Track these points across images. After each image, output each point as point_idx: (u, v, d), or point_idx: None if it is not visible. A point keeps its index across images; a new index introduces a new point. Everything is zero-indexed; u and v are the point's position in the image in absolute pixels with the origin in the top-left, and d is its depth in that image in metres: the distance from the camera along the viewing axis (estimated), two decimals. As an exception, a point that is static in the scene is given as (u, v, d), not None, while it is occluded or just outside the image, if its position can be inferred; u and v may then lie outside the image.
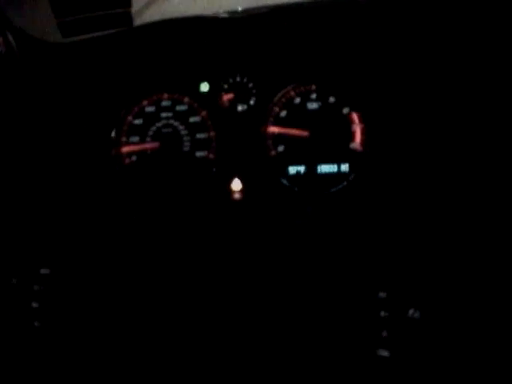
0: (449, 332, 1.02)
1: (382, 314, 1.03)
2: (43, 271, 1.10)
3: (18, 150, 1.20)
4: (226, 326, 1.08)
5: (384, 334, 1.02)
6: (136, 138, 1.20)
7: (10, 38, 1.22)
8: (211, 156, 1.19)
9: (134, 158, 1.20)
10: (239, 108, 1.18)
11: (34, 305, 1.09)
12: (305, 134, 1.18)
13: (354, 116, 1.18)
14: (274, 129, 1.18)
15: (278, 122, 1.19)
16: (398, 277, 1.05)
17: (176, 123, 1.19)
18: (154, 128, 1.20)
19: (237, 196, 1.18)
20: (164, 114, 1.19)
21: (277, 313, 1.07)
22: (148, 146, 1.19)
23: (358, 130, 1.18)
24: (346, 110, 1.18)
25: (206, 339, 1.08)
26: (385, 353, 1.02)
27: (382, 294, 1.04)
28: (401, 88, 1.16)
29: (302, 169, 1.19)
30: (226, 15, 1.20)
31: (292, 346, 1.05)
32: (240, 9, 1.20)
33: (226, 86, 1.19)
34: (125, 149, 1.20)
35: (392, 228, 1.11)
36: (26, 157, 1.20)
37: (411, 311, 1.03)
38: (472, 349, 1.00)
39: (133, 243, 1.12)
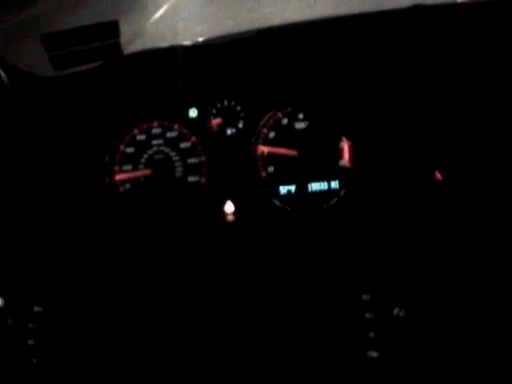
0: (435, 328, 1.03)
1: (368, 315, 1.05)
2: (37, 309, 1.12)
3: (10, 184, 1.23)
4: (219, 341, 1.09)
5: (371, 335, 1.04)
6: (129, 166, 1.23)
7: (2, 73, 1.25)
8: (203, 180, 1.21)
9: (127, 185, 1.23)
10: (228, 132, 1.21)
11: (30, 342, 1.11)
12: (294, 153, 1.20)
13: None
14: (263, 148, 1.20)
15: (267, 143, 1.21)
16: (381, 279, 1.07)
17: (167, 150, 1.22)
18: (146, 155, 1.22)
19: (230, 218, 1.20)
20: (155, 142, 1.22)
21: (266, 323, 1.09)
22: (141, 173, 1.22)
23: (345, 146, 1.20)
24: (333, 128, 1.20)
25: (197, 359, 1.10)
26: (374, 354, 1.03)
27: (366, 297, 1.06)
28: (387, 103, 1.18)
29: (292, 188, 1.21)
30: (211, 41, 1.23)
31: (282, 352, 1.06)
32: (225, 33, 1.23)
33: (214, 111, 1.21)
34: (118, 177, 1.22)
35: (379, 236, 1.13)
36: (19, 190, 1.22)
37: (396, 310, 1.04)
38: (460, 344, 1.02)
39: (128, 271, 1.14)
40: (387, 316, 1.04)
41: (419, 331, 1.03)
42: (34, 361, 1.10)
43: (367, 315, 1.04)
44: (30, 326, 1.11)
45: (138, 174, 1.22)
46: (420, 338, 1.03)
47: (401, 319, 1.03)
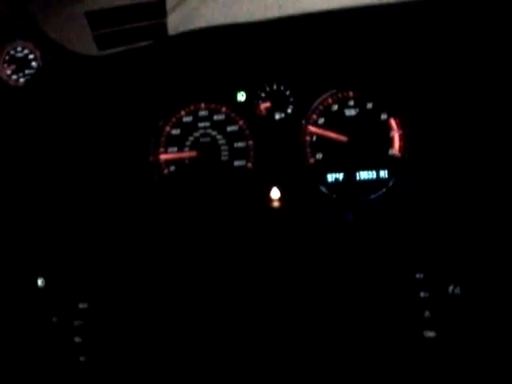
0: (491, 305, 1.02)
1: (422, 294, 1.03)
2: (81, 306, 1.11)
3: (57, 166, 1.21)
4: (269, 330, 1.08)
5: (427, 314, 1.03)
6: (174, 149, 1.21)
7: (47, 52, 1.23)
8: (249, 165, 1.19)
9: (172, 168, 1.20)
10: (277, 116, 1.18)
11: (77, 340, 1.10)
12: (343, 138, 1.17)
13: (392, 122, 1.17)
14: (313, 129, 1.17)
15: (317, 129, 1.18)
16: (433, 256, 1.05)
17: (214, 133, 1.20)
18: (191, 138, 1.20)
19: (276, 204, 1.18)
20: (202, 124, 1.20)
21: (321, 312, 1.07)
22: (186, 154, 1.20)
23: (396, 135, 1.17)
24: (384, 116, 1.18)
25: (246, 349, 1.08)
26: (431, 333, 1.02)
27: (419, 275, 1.04)
28: (439, 93, 1.15)
29: (340, 176, 1.18)
30: (261, 22, 1.20)
31: (341, 336, 1.05)
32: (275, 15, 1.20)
33: (263, 95, 1.19)
34: (163, 157, 1.20)
35: (430, 230, 1.10)
36: (65, 172, 1.20)
37: (451, 287, 1.03)
38: None
39: (173, 258, 1.12)
40: (442, 294, 1.02)
41: (476, 308, 1.01)
42: (82, 358, 1.08)
43: (422, 294, 1.03)
44: (76, 323, 1.10)
45: (183, 155, 1.20)
46: (477, 316, 1.01)
47: (456, 297, 1.02)
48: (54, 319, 1.11)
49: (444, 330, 1.02)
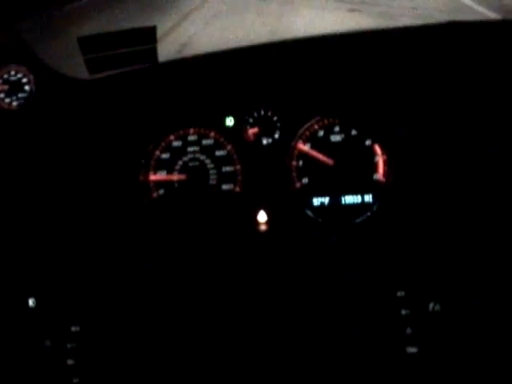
0: (472, 321, 1.05)
1: (404, 312, 1.07)
2: (74, 329, 1.12)
3: (47, 188, 1.23)
4: (254, 351, 1.10)
5: (408, 331, 1.06)
6: (163, 172, 1.23)
7: (40, 76, 1.26)
8: (237, 189, 1.21)
9: (161, 191, 1.23)
10: (264, 141, 1.21)
11: (70, 362, 1.11)
12: (329, 161, 1.19)
13: (377, 148, 1.20)
14: (302, 147, 1.20)
15: (303, 155, 1.21)
16: (414, 275, 1.09)
17: (202, 157, 1.22)
18: (180, 162, 1.23)
19: (262, 228, 1.20)
20: (191, 148, 1.22)
21: (305, 332, 1.10)
22: (175, 177, 1.22)
23: (380, 161, 1.20)
24: (368, 142, 1.20)
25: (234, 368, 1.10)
26: (413, 349, 1.05)
27: (401, 293, 1.08)
28: (423, 120, 1.18)
29: (326, 200, 1.21)
30: (248, 48, 1.23)
31: (326, 354, 1.08)
32: (262, 41, 1.23)
33: (250, 120, 1.21)
34: (153, 177, 1.23)
35: (411, 251, 1.13)
36: (55, 194, 1.23)
37: (431, 305, 1.06)
38: (497, 337, 1.03)
39: (161, 281, 1.14)
40: (423, 311, 1.06)
41: (456, 325, 1.04)
42: (75, 381, 1.10)
43: (403, 311, 1.06)
44: (69, 345, 1.12)
45: (173, 177, 1.22)
46: (457, 332, 1.04)
47: (437, 313, 1.05)
48: (48, 343, 1.13)
49: (425, 345, 1.05)
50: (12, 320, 1.15)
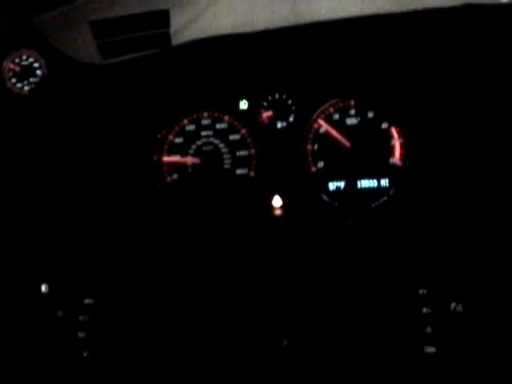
0: (493, 323, 1.02)
1: (424, 310, 1.04)
2: (87, 301, 1.12)
3: (60, 173, 1.22)
4: (270, 338, 1.08)
5: (428, 330, 1.03)
6: (177, 157, 1.21)
7: (52, 60, 1.24)
8: (251, 173, 1.20)
9: (175, 175, 1.21)
10: (279, 125, 1.19)
11: (81, 335, 1.10)
12: (347, 143, 1.18)
13: (393, 131, 1.18)
14: (322, 122, 1.18)
15: (318, 138, 1.19)
16: (437, 273, 1.06)
17: (216, 141, 1.21)
18: (194, 146, 1.21)
19: (277, 212, 1.18)
20: (204, 133, 1.21)
21: (320, 321, 1.08)
22: (189, 159, 1.20)
23: (397, 144, 1.18)
24: (384, 125, 1.19)
25: (248, 355, 1.08)
26: (431, 349, 1.03)
27: (423, 291, 1.05)
28: (439, 102, 1.16)
29: (341, 184, 1.19)
30: (263, 31, 1.21)
31: (341, 348, 1.06)
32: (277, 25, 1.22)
33: (265, 104, 1.20)
34: (166, 159, 1.21)
35: (432, 238, 1.11)
36: (68, 178, 1.21)
37: (453, 305, 1.03)
38: None
39: (175, 262, 1.13)
40: (444, 311, 1.03)
41: (477, 326, 1.01)
42: (85, 354, 1.09)
43: (424, 310, 1.03)
44: (81, 318, 1.10)
45: (186, 160, 1.20)
46: (477, 334, 1.01)
47: (458, 314, 1.02)
48: (59, 313, 1.11)
49: (444, 346, 1.02)
50: (25, 297, 1.14)
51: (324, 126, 1.18)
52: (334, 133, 1.17)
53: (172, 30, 1.25)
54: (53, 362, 1.11)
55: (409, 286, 1.06)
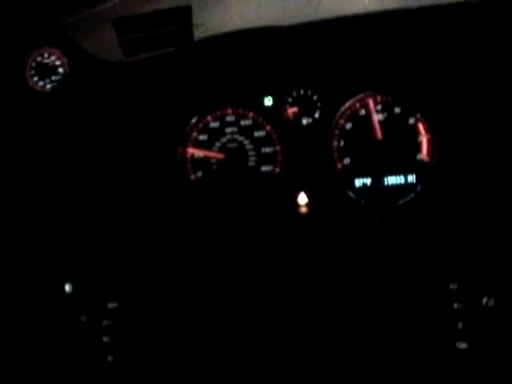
0: None
1: (456, 305, 1.02)
2: (111, 305, 1.10)
3: (83, 171, 1.21)
4: (296, 336, 1.07)
5: (460, 325, 1.01)
6: (201, 154, 1.20)
7: (74, 58, 1.24)
8: (277, 170, 1.18)
9: (199, 173, 1.20)
10: (304, 121, 1.18)
11: (105, 339, 1.09)
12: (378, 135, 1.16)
13: (421, 126, 1.16)
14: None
15: (344, 134, 1.17)
16: (468, 267, 1.04)
17: (241, 138, 1.19)
18: (218, 143, 1.20)
19: (303, 210, 1.17)
20: (229, 129, 1.20)
21: (350, 319, 1.06)
22: (214, 154, 1.19)
23: (424, 140, 1.16)
24: (412, 121, 1.17)
25: (280, 354, 1.07)
26: (463, 345, 1.01)
27: (453, 286, 1.03)
28: (468, 97, 1.15)
29: (368, 181, 1.17)
30: (288, 26, 1.20)
31: (372, 346, 1.04)
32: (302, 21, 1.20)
33: (290, 100, 1.18)
34: (191, 150, 1.20)
35: (461, 234, 1.09)
36: (91, 177, 1.20)
37: (485, 300, 1.01)
38: None
39: (200, 263, 1.11)
40: (476, 306, 1.01)
41: (510, 321, 0.99)
42: (110, 358, 1.07)
43: (455, 305, 1.01)
44: (105, 322, 1.09)
45: (211, 154, 1.19)
46: (510, 328, 0.99)
47: (490, 309, 1.00)
48: (83, 318, 1.10)
49: (476, 341, 1.01)
50: (49, 299, 1.12)
51: (370, 107, 1.15)
52: (374, 116, 1.14)
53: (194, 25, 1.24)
54: (77, 366, 1.10)
55: (439, 282, 1.04)
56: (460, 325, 1.01)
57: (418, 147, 1.17)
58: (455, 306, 1.02)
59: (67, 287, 1.15)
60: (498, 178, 1.12)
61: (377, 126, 1.15)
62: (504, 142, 1.13)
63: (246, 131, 1.19)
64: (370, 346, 1.03)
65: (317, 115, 1.18)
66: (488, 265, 1.04)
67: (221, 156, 1.19)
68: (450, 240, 1.08)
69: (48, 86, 1.24)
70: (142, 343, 1.09)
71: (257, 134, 1.19)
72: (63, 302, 1.14)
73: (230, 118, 1.20)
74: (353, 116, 1.17)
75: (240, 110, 1.19)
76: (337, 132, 1.17)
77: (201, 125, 1.20)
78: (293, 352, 1.05)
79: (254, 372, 1.05)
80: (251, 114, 1.19)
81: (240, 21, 1.29)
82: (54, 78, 1.24)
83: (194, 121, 1.20)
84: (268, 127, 1.19)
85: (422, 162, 1.17)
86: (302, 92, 1.18)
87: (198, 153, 1.20)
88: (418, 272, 1.05)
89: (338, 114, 1.17)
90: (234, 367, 1.06)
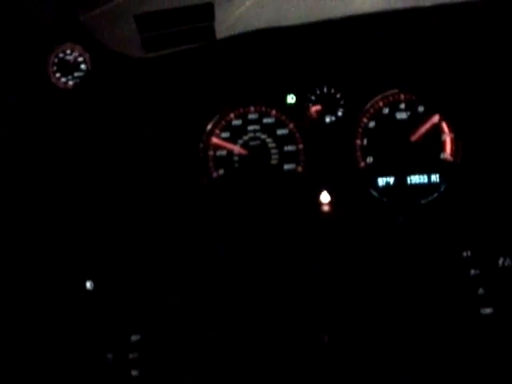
0: None
1: (473, 272, 1.02)
2: (134, 338, 1.09)
3: (105, 168, 1.21)
4: (317, 335, 1.07)
5: (481, 291, 1.02)
6: (223, 152, 1.20)
7: (96, 54, 1.24)
8: (300, 169, 1.18)
9: (221, 171, 1.20)
10: (327, 119, 1.17)
11: (134, 373, 1.08)
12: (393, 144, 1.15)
13: (444, 125, 1.16)
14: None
15: (367, 132, 1.17)
16: (478, 234, 1.05)
17: (263, 136, 1.19)
18: (241, 141, 1.19)
19: (326, 208, 1.16)
20: (251, 127, 1.19)
21: (373, 317, 1.07)
22: (236, 149, 1.19)
23: (448, 139, 1.16)
24: (435, 119, 1.16)
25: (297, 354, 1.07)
26: (488, 310, 1.01)
27: (467, 253, 1.04)
28: (492, 96, 1.13)
29: (391, 180, 1.17)
30: (311, 24, 1.19)
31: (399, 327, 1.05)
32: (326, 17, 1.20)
33: (313, 98, 1.18)
34: (215, 140, 1.19)
35: (483, 234, 1.09)
36: (113, 175, 1.20)
37: (501, 260, 1.01)
38: None
39: (221, 263, 1.11)
40: (493, 268, 1.02)
41: None
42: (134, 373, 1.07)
43: (472, 272, 1.02)
44: (131, 356, 1.08)
45: (233, 147, 1.19)
46: None
47: (508, 268, 1.00)
48: (110, 356, 1.09)
49: (501, 304, 1.01)
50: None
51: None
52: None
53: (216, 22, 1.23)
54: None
55: (452, 251, 1.05)
56: (481, 290, 1.01)
57: (441, 146, 1.16)
58: (472, 272, 1.02)
59: (88, 284, 1.15)
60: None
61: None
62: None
63: (269, 129, 1.19)
64: (399, 332, 1.04)
65: (340, 113, 1.17)
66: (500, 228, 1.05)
67: (243, 152, 1.18)
68: (474, 240, 1.07)
69: (70, 83, 1.24)
70: (170, 371, 1.08)
71: (279, 132, 1.19)
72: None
73: (252, 116, 1.20)
74: (376, 114, 1.17)
75: (263, 108, 1.19)
76: (360, 130, 1.17)
77: (223, 122, 1.20)
78: (314, 351, 1.06)
79: None
80: (274, 112, 1.19)
81: (259, 17, 1.27)
82: (76, 74, 1.24)
83: (216, 118, 1.19)
84: (291, 125, 1.18)
85: (445, 161, 1.16)
86: (325, 90, 1.17)
87: (220, 150, 1.20)
88: (438, 270, 1.06)
89: (362, 112, 1.16)
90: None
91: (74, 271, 1.16)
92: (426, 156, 1.16)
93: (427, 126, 1.15)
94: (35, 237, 1.17)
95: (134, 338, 1.10)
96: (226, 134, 1.20)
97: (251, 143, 1.19)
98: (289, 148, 1.18)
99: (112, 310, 1.13)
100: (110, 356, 1.10)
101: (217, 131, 1.20)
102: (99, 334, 1.11)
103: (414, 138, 1.15)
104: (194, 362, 1.09)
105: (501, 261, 1.03)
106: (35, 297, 1.15)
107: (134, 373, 1.09)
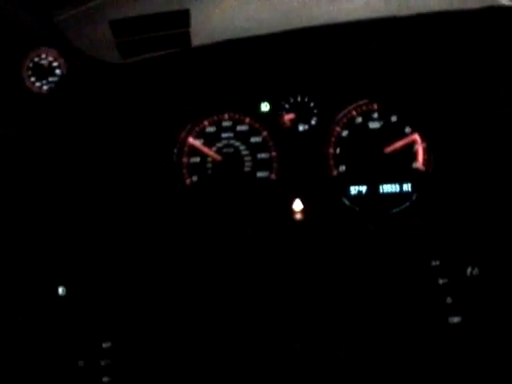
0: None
1: (441, 281, 1.04)
2: (105, 345, 1.09)
3: (78, 174, 1.20)
4: (289, 338, 1.08)
5: (449, 300, 1.03)
6: (197, 159, 1.20)
7: (71, 59, 1.23)
8: (272, 176, 1.18)
9: (194, 178, 1.20)
10: (300, 128, 1.18)
11: (106, 379, 1.08)
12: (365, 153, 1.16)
13: (417, 135, 1.17)
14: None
15: (340, 141, 1.18)
16: (448, 243, 1.07)
17: (237, 143, 1.19)
18: (214, 148, 1.20)
19: (298, 216, 1.17)
20: (225, 135, 1.20)
21: (340, 323, 1.08)
22: (211, 153, 1.19)
23: (420, 149, 1.17)
24: (408, 129, 1.17)
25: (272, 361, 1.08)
26: (456, 319, 1.02)
27: (435, 262, 1.05)
28: (464, 105, 1.15)
29: (363, 189, 1.18)
30: (285, 32, 1.20)
31: (370, 339, 1.06)
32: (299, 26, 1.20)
33: (287, 106, 1.18)
34: (191, 141, 1.19)
35: (454, 243, 1.10)
36: (87, 180, 1.20)
37: (469, 269, 1.03)
38: None
39: (196, 268, 1.11)
40: (461, 277, 1.03)
41: (497, 288, 1.01)
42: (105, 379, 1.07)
43: (440, 281, 1.03)
44: (103, 363, 1.08)
45: (209, 152, 1.19)
46: (500, 295, 1.00)
47: (476, 278, 1.02)
48: (81, 363, 1.09)
49: (468, 313, 1.02)
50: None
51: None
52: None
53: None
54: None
55: (421, 260, 1.06)
56: (449, 299, 1.03)
57: (413, 156, 1.17)
58: (440, 281, 1.04)
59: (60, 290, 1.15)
60: (493, 187, 1.13)
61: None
62: (499, 151, 1.13)
63: (243, 137, 1.19)
64: (368, 338, 1.05)
65: (313, 122, 1.18)
66: (468, 239, 1.06)
67: (217, 157, 1.18)
68: (441, 249, 1.08)
69: (45, 87, 1.23)
70: (142, 377, 1.09)
71: (253, 139, 1.19)
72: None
73: (226, 123, 1.20)
74: (349, 123, 1.17)
75: (237, 116, 1.19)
76: (333, 139, 1.18)
77: (197, 129, 1.20)
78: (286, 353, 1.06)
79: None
80: (248, 120, 1.19)
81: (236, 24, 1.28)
82: (50, 79, 1.23)
83: (190, 125, 1.20)
84: (264, 133, 1.19)
85: (417, 170, 1.17)
86: (298, 98, 1.18)
87: (194, 157, 1.20)
88: (406, 278, 1.07)
89: (335, 121, 1.17)
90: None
91: (46, 277, 1.15)
92: (398, 165, 1.17)
93: (403, 142, 1.16)
94: (7, 242, 1.16)
95: (106, 344, 1.10)
96: (199, 141, 1.20)
97: (225, 150, 1.20)
98: (262, 155, 1.19)
99: (84, 317, 1.13)
100: (81, 363, 1.10)
101: (191, 138, 1.20)
102: (71, 340, 1.11)
103: (388, 150, 1.16)
104: (165, 368, 1.09)
105: (469, 270, 1.04)
106: (7, 302, 1.15)
107: (106, 379, 1.09)
